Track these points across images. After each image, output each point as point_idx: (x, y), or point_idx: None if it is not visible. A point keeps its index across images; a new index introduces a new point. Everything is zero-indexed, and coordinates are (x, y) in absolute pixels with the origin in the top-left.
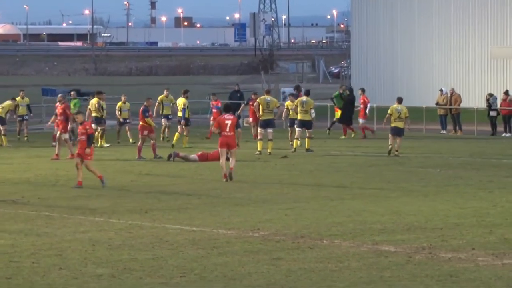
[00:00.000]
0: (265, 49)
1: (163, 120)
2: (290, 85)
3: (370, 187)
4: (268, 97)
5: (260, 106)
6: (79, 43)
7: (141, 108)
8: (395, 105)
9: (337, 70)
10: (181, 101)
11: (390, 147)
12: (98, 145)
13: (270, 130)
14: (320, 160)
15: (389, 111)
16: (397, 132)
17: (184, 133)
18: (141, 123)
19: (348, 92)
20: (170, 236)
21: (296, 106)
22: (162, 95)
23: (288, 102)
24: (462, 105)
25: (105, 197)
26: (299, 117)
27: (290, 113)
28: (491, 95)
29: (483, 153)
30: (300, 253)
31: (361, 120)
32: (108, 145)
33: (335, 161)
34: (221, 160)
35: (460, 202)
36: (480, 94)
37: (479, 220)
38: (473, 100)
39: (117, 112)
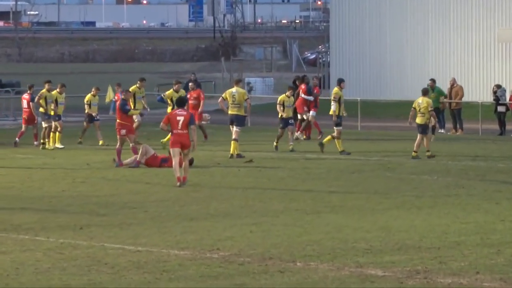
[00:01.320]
0: (226, 31)
1: (137, 117)
2: (256, 74)
3: (353, 198)
4: (234, 89)
5: (228, 99)
6: None
7: (118, 102)
8: (419, 98)
9: (314, 56)
10: (171, 93)
11: (414, 153)
12: (48, 146)
13: (236, 129)
14: (292, 164)
15: (413, 105)
16: (418, 129)
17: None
18: (118, 120)
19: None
20: (110, 257)
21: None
22: (134, 86)
23: (282, 96)
24: (464, 98)
25: (31, 211)
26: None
27: (285, 111)
28: (499, 86)
29: (489, 157)
30: (268, 278)
31: (312, 113)
32: (61, 146)
33: (310, 166)
34: (173, 162)
35: (461, 215)
36: (486, 86)
37: (484, 237)
38: (477, 92)
39: (86, 107)
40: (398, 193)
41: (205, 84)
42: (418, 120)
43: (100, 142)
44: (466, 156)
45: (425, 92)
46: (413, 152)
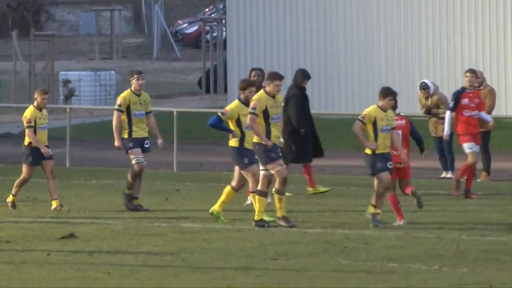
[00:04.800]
0: None
1: (133, 151)
2: (82, 64)
3: None
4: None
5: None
6: None
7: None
8: None
9: (195, 28)
10: (237, 107)
11: None
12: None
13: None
14: (156, 241)
15: None
16: None
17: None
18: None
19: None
20: None
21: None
22: (127, 92)
23: (372, 109)
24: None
25: None
26: None
27: (380, 139)
28: None
29: None
30: None
31: (469, 146)
32: None
33: (192, 246)
34: None
35: None
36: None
37: None
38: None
39: (27, 132)
40: None
41: None
42: None
43: (54, 204)
44: (495, 225)
45: None
46: None
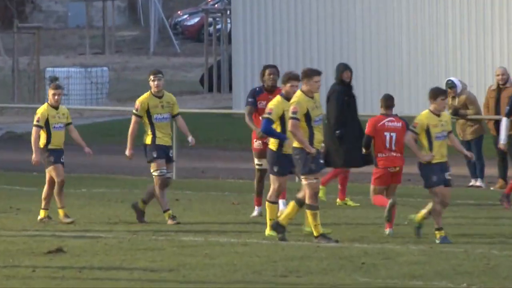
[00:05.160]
0: None
1: (156, 163)
2: (71, 60)
3: None
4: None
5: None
6: None
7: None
8: None
9: (196, 20)
10: (281, 103)
11: None
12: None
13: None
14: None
15: None
16: None
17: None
18: None
19: None
20: None
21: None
22: (146, 95)
23: (424, 115)
24: None
25: None
26: None
27: (435, 147)
28: None
29: None
30: None
31: None
32: None
33: (192, 262)
34: None
35: None
36: None
37: None
38: None
39: (34, 131)
40: None
41: None
42: None
43: (42, 214)
44: None
45: None
46: None
